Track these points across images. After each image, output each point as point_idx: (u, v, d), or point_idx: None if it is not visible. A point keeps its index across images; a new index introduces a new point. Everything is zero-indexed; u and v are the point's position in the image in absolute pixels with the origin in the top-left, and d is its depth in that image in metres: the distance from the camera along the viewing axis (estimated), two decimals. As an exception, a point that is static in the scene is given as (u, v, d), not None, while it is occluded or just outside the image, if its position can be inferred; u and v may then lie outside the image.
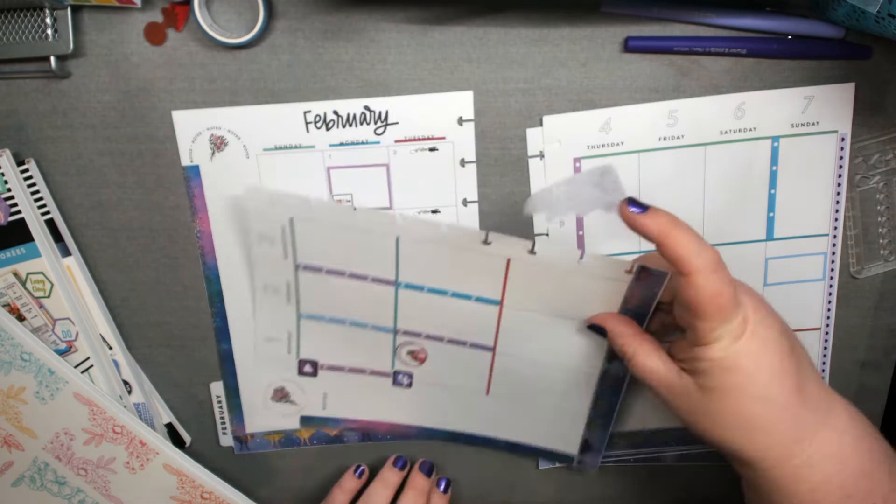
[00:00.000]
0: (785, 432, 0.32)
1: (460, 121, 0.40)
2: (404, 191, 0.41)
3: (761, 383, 0.31)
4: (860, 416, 0.34)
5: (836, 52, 0.39)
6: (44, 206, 0.41)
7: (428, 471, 0.47)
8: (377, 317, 0.41)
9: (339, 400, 0.45)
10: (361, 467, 0.46)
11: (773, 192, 0.41)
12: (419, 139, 0.41)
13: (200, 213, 0.42)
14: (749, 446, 0.32)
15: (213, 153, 0.41)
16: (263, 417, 0.46)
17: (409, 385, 0.44)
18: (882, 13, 0.32)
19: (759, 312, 0.32)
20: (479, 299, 0.39)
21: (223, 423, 0.46)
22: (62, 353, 0.42)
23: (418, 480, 0.46)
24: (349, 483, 0.46)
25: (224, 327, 0.44)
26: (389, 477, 0.46)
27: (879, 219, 0.42)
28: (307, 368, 0.44)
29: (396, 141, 0.41)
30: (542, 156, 0.41)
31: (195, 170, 0.41)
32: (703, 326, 0.31)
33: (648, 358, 0.34)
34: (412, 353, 0.42)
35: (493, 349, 0.41)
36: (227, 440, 0.47)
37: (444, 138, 0.41)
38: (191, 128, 0.40)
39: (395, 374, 0.43)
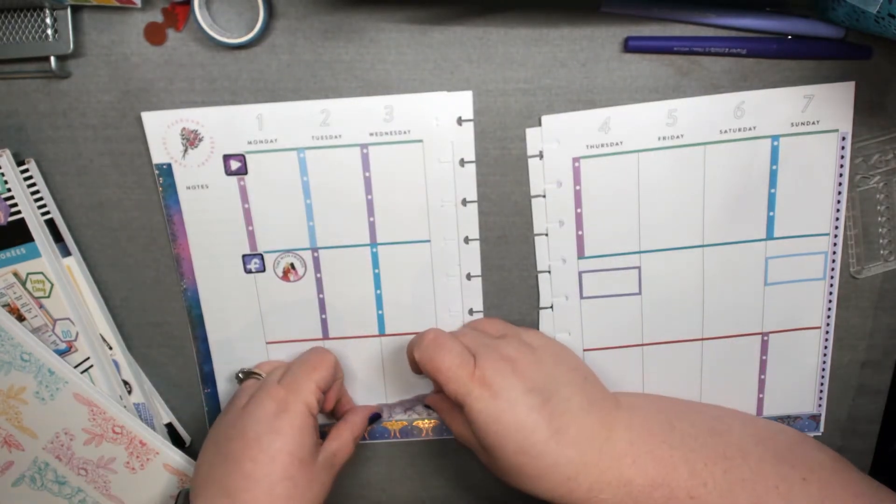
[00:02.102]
0: (552, 475, 0.36)
1: (460, 121, 0.40)
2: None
3: (513, 439, 0.35)
4: (646, 431, 0.38)
5: (836, 52, 0.39)
6: (44, 206, 0.41)
7: None
8: None
9: None
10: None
11: (773, 191, 0.41)
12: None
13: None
14: (533, 490, 0.36)
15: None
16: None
17: None
18: (882, 13, 0.32)
19: (499, 375, 0.36)
20: None
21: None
22: (62, 353, 0.42)
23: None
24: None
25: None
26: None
27: (879, 219, 0.42)
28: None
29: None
30: (541, 156, 0.41)
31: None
32: (449, 392, 0.37)
33: (458, 427, 0.40)
34: None
35: None
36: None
37: (443, 138, 0.41)
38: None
39: None
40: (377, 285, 0.43)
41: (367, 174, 0.41)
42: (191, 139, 0.40)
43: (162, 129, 0.40)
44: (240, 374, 0.44)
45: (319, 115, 0.40)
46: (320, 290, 0.43)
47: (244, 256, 0.43)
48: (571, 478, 0.36)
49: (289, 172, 0.41)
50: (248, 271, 0.43)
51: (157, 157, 0.41)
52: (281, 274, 0.43)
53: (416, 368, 0.40)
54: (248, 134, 0.40)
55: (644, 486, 0.36)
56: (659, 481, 0.36)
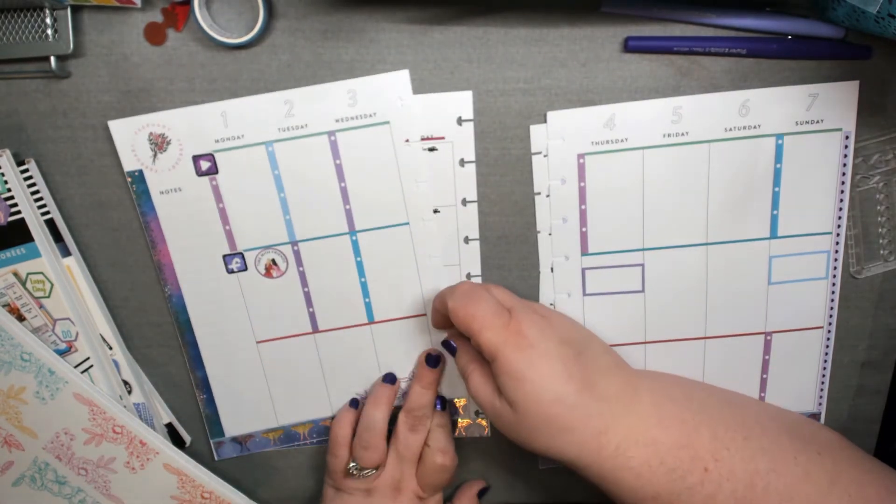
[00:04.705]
0: (585, 428, 0.35)
1: (460, 121, 0.40)
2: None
3: (549, 388, 0.35)
4: (667, 397, 0.39)
5: (837, 53, 0.39)
6: (44, 206, 0.41)
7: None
8: None
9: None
10: (356, 398, 0.45)
11: (776, 189, 0.41)
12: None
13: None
14: (562, 447, 0.36)
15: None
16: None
17: None
18: (882, 13, 0.32)
19: (535, 327, 0.36)
20: None
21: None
22: (62, 353, 0.42)
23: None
24: (346, 416, 0.44)
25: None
26: (381, 395, 0.43)
27: (879, 219, 0.42)
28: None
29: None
30: (545, 152, 0.41)
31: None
32: (482, 342, 0.36)
33: (478, 380, 0.39)
34: None
35: None
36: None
37: (443, 138, 0.41)
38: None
39: None
40: (361, 273, 0.43)
41: (337, 161, 0.41)
42: (159, 143, 0.40)
43: (129, 135, 0.40)
44: (352, 470, 0.43)
45: (283, 107, 0.40)
46: (304, 283, 0.43)
47: (225, 257, 0.42)
48: (602, 432, 0.36)
49: (259, 167, 0.41)
50: (231, 271, 0.43)
51: (128, 164, 0.40)
52: (263, 271, 0.43)
53: (439, 322, 0.40)
54: (215, 132, 0.40)
55: (670, 445, 0.36)
56: (683, 442, 0.36)
